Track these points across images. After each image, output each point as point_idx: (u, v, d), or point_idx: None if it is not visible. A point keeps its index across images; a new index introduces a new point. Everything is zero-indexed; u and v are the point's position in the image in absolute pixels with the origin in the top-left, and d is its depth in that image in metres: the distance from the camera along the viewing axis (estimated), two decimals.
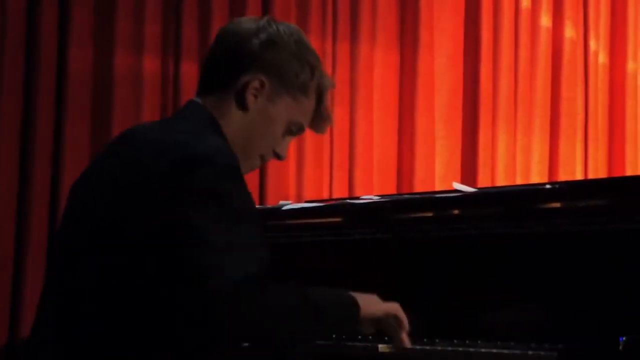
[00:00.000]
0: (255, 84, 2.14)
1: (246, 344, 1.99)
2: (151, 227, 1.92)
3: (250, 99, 2.14)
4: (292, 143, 4.71)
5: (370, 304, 2.12)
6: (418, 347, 2.49)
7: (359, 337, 2.58)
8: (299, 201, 4.00)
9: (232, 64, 2.15)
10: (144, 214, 1.93)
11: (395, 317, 2.14)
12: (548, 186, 2.66)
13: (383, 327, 2.16)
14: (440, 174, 4.87)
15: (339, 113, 4.71)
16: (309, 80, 2.18)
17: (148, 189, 1.94)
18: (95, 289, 1.96)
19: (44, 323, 2.06)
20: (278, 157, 2.24)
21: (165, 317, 1.92)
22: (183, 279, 1.88)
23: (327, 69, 4.70)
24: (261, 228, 2.00)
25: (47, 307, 2.07)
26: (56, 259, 2.09)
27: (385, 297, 2.15)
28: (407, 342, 2.16)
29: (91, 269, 1.97)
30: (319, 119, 2.25)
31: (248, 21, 2.21)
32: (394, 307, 2.15)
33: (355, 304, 2.07)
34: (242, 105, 2.14)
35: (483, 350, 2.45)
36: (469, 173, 4.95)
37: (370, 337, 2.55)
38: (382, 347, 2.53)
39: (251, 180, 4.43)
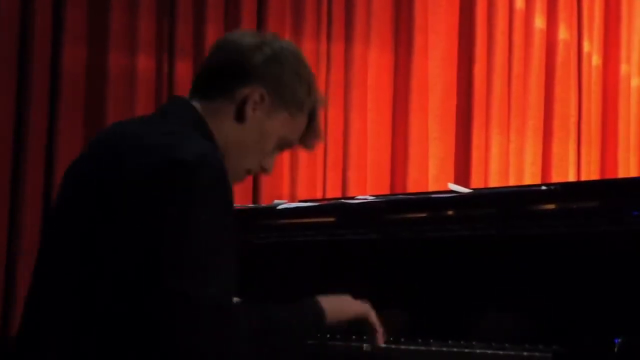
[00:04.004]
0: (256, 97, 2.15)
1: None
2: (129, 237, 1.91)
3: (249, 111, 2.15)
4: None
5: (338, 310, 2.14)
6: (412, 347, 2.49)
7: (343, 336, 2.58)
8: (292, 200, 4.00)
9: (234, 74, 2.16)
10: (124, 223, 1.92)
11: (365, 320, 2.19)
12: (544, 187, 2.66)
13: (356, 327, 2.20)
14: (433, 174, 4.87)
15: (333, 113, 4.71)
16: (305, 97, 2.21)
17: (130, 197, 1.93)
18: (77, 294, 1.95)
19: (35, 324, 2.04)
20: (264, 171, 2.26)
21: (131, 334, 1.91)
22: (151, 300, 1.88)
23: (322, 69, 4.71)
24: (234, 243, 1.98)
25: (38, 306, 2.05)
26: (49, 251, 2.07)
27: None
28: (381, 341, 2.21)
29: (76, 272, 1.96)
30: (310, 136, 2.28)
31: (251, 34, 2.23)
32: (363, 310, 2.20)
33: (320, 316, 2.10)
34: (240, 117, 2.15)
35: (478, 351, 2.45)
36: (462, 174, 4.96)
37: (353, 337, 2.55)
38: (366, 347, 2.54)
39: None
